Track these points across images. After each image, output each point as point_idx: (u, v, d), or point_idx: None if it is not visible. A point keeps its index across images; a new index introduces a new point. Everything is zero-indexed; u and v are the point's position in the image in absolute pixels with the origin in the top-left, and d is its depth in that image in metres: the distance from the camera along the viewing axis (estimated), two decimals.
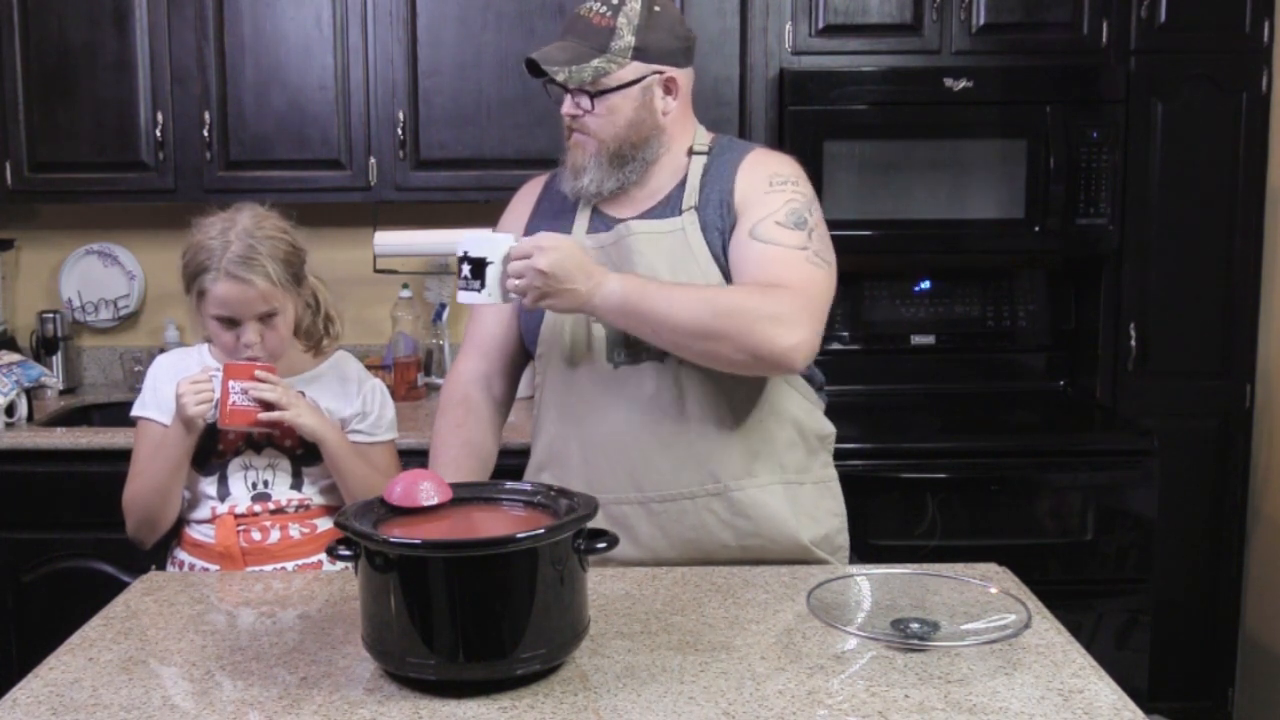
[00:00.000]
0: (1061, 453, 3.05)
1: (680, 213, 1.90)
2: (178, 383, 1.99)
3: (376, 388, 2.20)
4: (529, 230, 2.03)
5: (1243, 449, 3.33)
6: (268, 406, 1.98)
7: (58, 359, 3.52)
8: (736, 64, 3.23)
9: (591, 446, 1.92)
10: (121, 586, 1.86)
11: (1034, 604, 1.68)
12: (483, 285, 1.76)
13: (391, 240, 3.30)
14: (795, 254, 1.81)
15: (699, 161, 1.93)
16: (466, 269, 1.76)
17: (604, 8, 1.87)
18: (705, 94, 3.19)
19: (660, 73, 1.89)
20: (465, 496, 1.60)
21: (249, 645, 1.58)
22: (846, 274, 3.43)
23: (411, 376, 3.42)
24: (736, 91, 3.24)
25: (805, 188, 1.90)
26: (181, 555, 2.11)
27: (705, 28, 3.19)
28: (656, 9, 1.88)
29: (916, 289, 3.51)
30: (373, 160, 3.25)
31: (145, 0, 3.21)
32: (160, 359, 2.19)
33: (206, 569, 2.05)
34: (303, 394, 2.08)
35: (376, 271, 3.40)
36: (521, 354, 2.07)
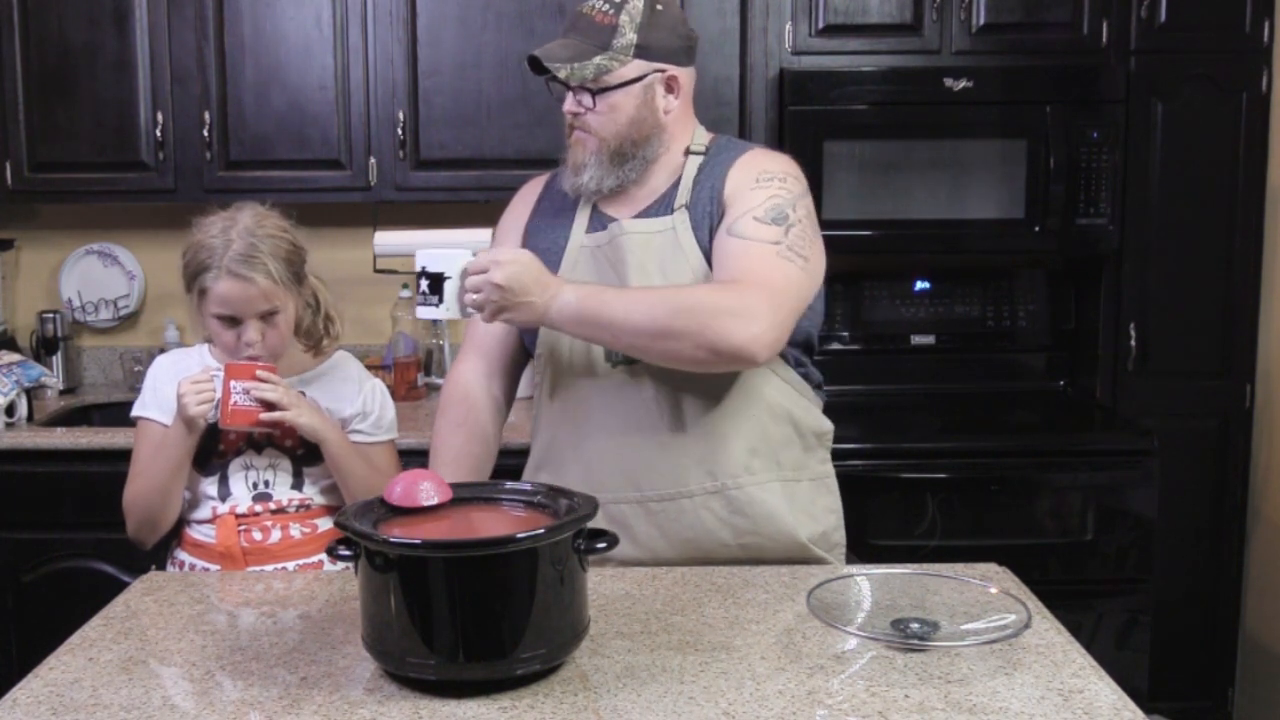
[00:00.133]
0: (1061, 453, 3.05)
1: (672, 211, 1.90)
2: (179, 382, 1.99)
3: (377, 388, 2.20)
4: (529, 229, 2.03)
5: (1243, 449, 3.33)
6: (269, 406, 1.98)
7: (58, 359, 3.52)
8: (736, 64, 3.23)
9: (589, 446, 1.92)
10: (121, 586, 1.86)
11: (1034, 604, 1.68)
12: (440, 300, 1.77)
13: (391, 240, 3.30)
14: (766, 249, 1.80)
15: (694, 161, 1.93)
16: (425, 284, 1.77)
17: (606, 6, 1.87)
18: (705, 94, 3.19)
19: (662, 71, 1.89)
20: (465, 496, 1.60)
21: (249, 645, 1.58)
22: (846, 274, 3.49)
23: (411, 376, 3.42)
24: (736, 91, 3.24)
25: (793, 185, 1.89)
26: (182, 555, 2.11)
27: (705, 28, 3.19)
28: (659, 7, 1.88)
29: (916, 289, 3.51)
30: (373, 160, 3.26)
31: (145, 0, 3.21)
32: (160, 359, 2.19)
33: (207, 569, 2.05)
34: (303, 394, 2.08)
35: (376, 271, 3.40)
36: (521, 354, 2.08)
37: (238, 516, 2.06)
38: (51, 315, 3.52)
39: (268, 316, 2.02)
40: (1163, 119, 3.22)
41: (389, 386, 2.45)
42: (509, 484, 1.63)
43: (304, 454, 2.09)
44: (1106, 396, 3.31)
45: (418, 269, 1.78)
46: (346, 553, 1.46)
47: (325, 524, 2.09)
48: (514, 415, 2.13)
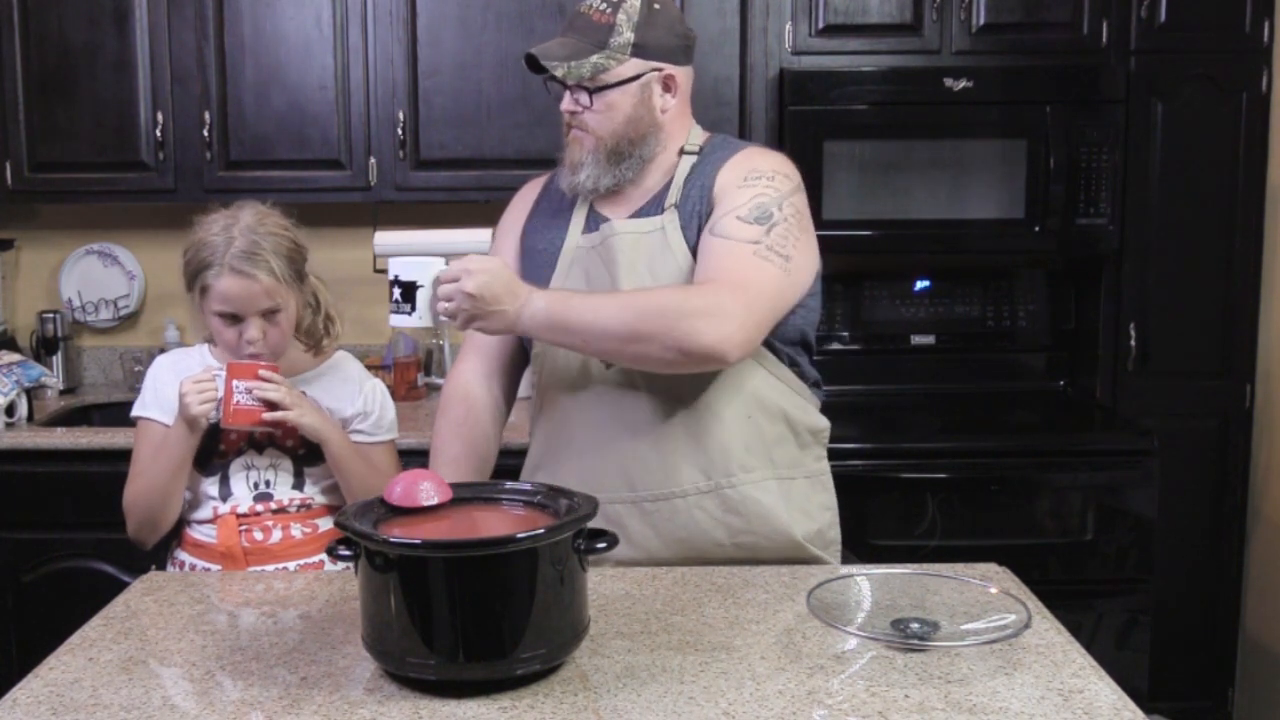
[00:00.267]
0: (1061, 453, 3.05)
1: (663, 211, 1.90)
2: (180, 382, 1.99)
3: (377, 388, 2.20)
4: (527, 229, 2.04)
5: (1243, 449, 3.33)
6: (272, 406, 1.98)
7: (58, 359, 3.52)
8: (736, 64, 3.23)
9: (583, 446, 1.92)
10: (121, 586, 1.86)
11: (1034, 604, 1.68)
12: (413, 308, 1.77)
13: (391, 240, 3.29)
14: (744, 248, 1.79)
15: (688, 161, 1.93)
16: (398, 292, 1.77)
17: (604, 5, 1.87)
18: (705, 94, 3.19)
19: (659, 70, 1.89)
20: (465, 496, 1.60)
21: (249, 645, 1.58)
22: (846, 274, 3.50)
23: (411, 376, 3.42)
24: (736, 91, 3.24)
25: (782, 183, 1.87)
26: (182, 556, 2.11)
27: (705, 28, 3.19)
28: (656, 6, 1.88)
29: (916, 289, 3.51)
30: (373, 160, 3.26)
31: (145, 0, 3.21)
32: (160, 359, 2.19)
33: (208, 569, 2.05)
34: (304, 394, 2.08)
35: (376, 272, 3.40)
36: (521, 354, 2.08)
37: (239, 516, 2.06)
38: (51, 315, 3.52)
39: (269, 314, 2.02)
40: (1163, 119, 3.22)
41: (389, 386, 2.45)
42: (509, 484, 1.63)
43: (305, 454, 2.09)
44: (1106, 396, 3.31)
45: (390, 277, 1.78)
46: (346, 553, 1.46)
47: (326, 524, 2.09)
48: (514, 415, 2.13)
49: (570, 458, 1.93)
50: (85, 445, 2.97)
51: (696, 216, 1.88)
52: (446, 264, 1.76)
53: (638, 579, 1.80)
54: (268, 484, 2.09)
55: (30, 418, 3.14)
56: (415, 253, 3.61)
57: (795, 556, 1.90)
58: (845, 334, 3.48)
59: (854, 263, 3.46)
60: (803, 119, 3.16)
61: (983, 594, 1.68)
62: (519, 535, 1.42)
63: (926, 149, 3.19)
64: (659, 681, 1.44)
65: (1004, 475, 3.00)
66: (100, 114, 3.25)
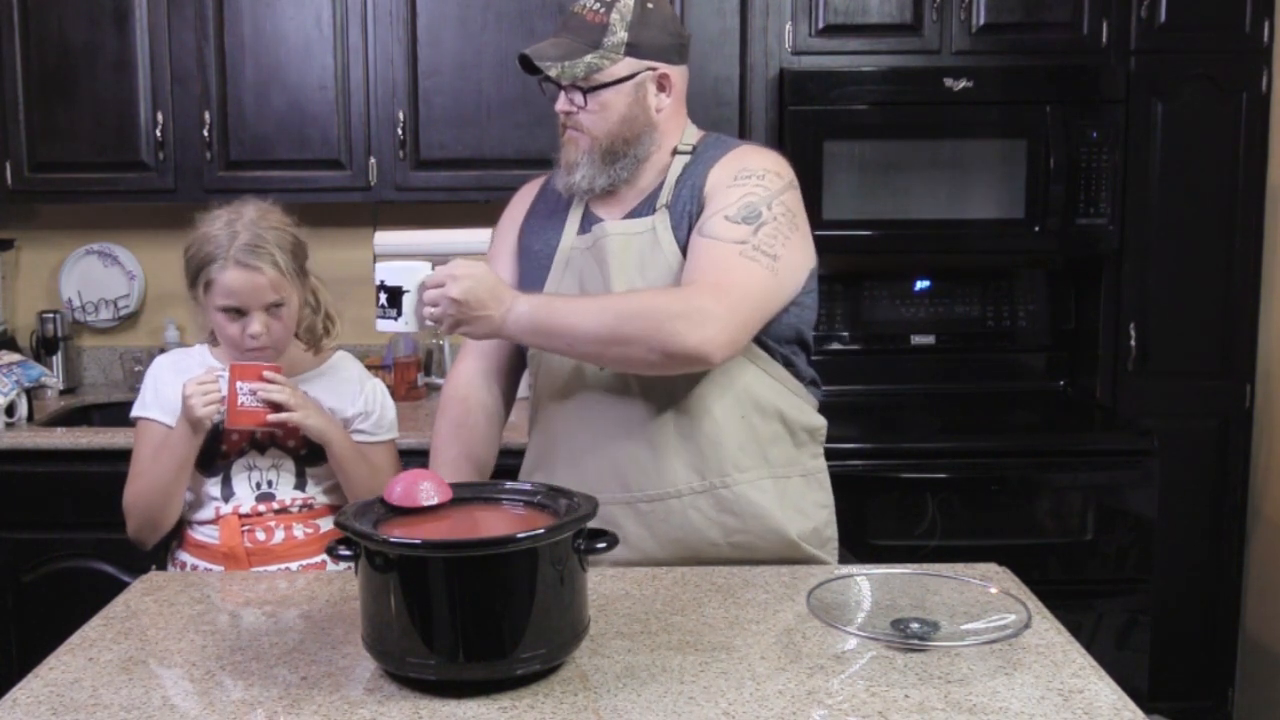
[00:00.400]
0: (1061, 453, 3.05)
1: (654, 211, 1.90)
2: (184, 384, 1.99)
3: (378, 387, 2.20)
4: (524, 230, 2.04)
5: (1243, 449, 3.33)
6: (276, 407, 1.98)
7: (58, 359, 3.52)
8: (736, 64, 3.23)
9: (578, 447, 1.92)
10: (121, 586, 1.86)
11: (1034, 604, 1.68)
12: (399, 313, 1.78)
13: (391, 240, 3.29)
14: (730, 249, 1.79)
15: (680, 160, 1.93)
16: (384, 297, 1.78)
17: (598, 4, 1.87)
18: (705, 94, 3.19)
19: (653, 69, 1.89)
20: (465, 496, 1.60)
21: (249, 645, 1.58)
22: (846, 274, 3.49)
23: (411, 376, 3.42)
24: (736, 91, 3.24)
25: (773, 182, 1.87)
26: (184, 556, 2.10)
27: (705, 28, 3.19)
28: (650, 6, 1.88)
29: (916, 289, 3.51)
30: (373, 160, 3.26)
31: (145, 0, 3.21)
32: (160, 359, 2.19)
33: (209, 569, 2.05)
34: (306, 395, 2.08)
35: None
36: (521, 354, 2.07)
37: (241, 517, 2.06)
38: (51, 315, 3.52)
39: (273, 309, 2.02)
40: (1163, 119, 3.22)
41: (389, 387, 2.45)
42: (509, 484, 1.63)
43: (307, 454, 2.09)
44: (1106, 396, 3.31)
45: (376, 282, 1.79)
46: (346, 553, 1.46)
47: (328, 524, 2.09)
48: (514, 415, 2.13)
49: (564, 459, 1.93)
50: (85, 445, 2.97)
51: (687, 216, 1.87)
52: (433, 269, 1.77)
53: (638, 579, 1.80)
54: (270, 484, 2.09)
55: (30, 418, 3.14)
56: (415, 253, 3.62)
57: (791, 556, 1.90)
58: (845, 334, 3.48)
59: (854, 263, 3.46)
60: (803, 119, 3.16)
61: (983, 594, 1.68)
62: (519, 535, 1.42)
63: (926, 149, 3.19)
64: (659, 681, 1.44)
65: (1004, 475, 3.00)
66: (100, 114, 3.25)
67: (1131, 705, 1.38)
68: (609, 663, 1.50)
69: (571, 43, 1.87)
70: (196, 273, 2.02)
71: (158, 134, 3.25)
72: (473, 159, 3.26)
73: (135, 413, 2.12)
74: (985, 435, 3.09)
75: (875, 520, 2.95)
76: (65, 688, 1.45)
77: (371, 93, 3.23)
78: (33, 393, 3.19)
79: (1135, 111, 3.20)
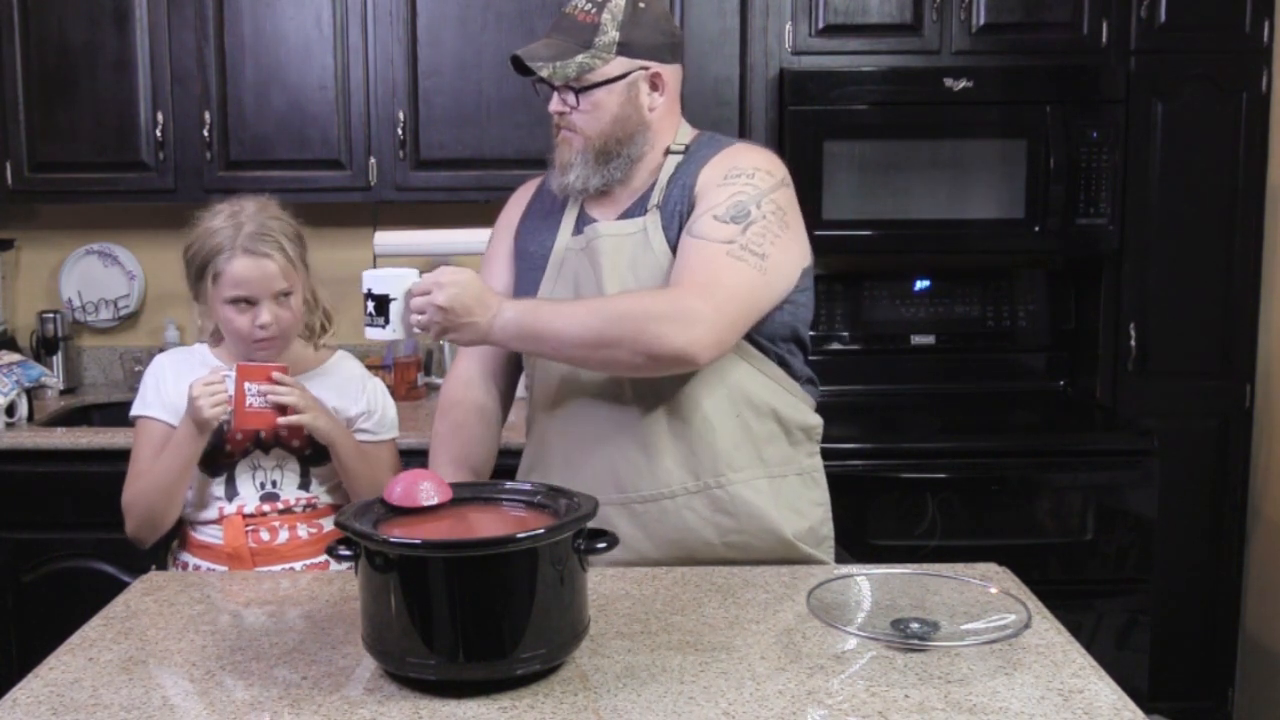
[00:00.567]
0: (1061, 453, 3.05)
1: (646, 212, 1.90)
2: (191, 384, 1.98)
3: (379, 386, 2.21)
4: (519, 231, 2.04)
5: (1243, 449, 3.33)
6: (282, 409, 1.98)
7: (58, 359, 3.52)
8: (736, 64, 3.23)
9: (572, 448, 1.92)
10: (121, 586, 1.86)
11: (1034, 604, 1.68)
12: (387, 321, 1.78)
13: (391, 240, 3.30)
14: (717, 249, 1.79)
15: (673, 160, 1.92)
16: (371, 305, 1.78)
17: (589, 4, 1.87)
18: (705, 94, 3.19)
19: (646, 68, 1.88)
20: (465, 496, 1.60)
21: (249, 645, 1.58)
22: (846, 274, 3.49)
23: (411, 376, 3.42)
24: (736, 91, 3.24)
25: (763, 180, 1.86)
26: (186, 557, 2.10)
27: (705, 28, 3.19)
28: (641, 5, 1.88)
29: (916, 289, 3.51)
30: (373, 160, 3.26)
31: (145, 0, 3.21)
32: (160, 358, 2.18)
33: (213, 570, 2.04)
34: (314, 397, 2.08)
35: None
36: (519, 355, 2.07)
37: (245, 517, 2.06)
38: (51, 315, 3.52)
39: (281, 298, 2.03)
40: (1163, 119, 3.22)
41: (389, 387, 2.46)
42: (509, 484, 1.63)
43: (311, 454, 2.09)
44: (1106, 396, 3.31)
45: (364, 290, 1.79)
46: (346, 553, 1.46)
47: (331, 524, 2.09)
48: (513, 415, 2.13)
49: (559, 460, 1.93)
50: (85, 445, 2.97)
51: (678, 216, 1.87)
52: (420, 276, 1.77)
53: (637, 579, 1.80)
54: (274, 484, 2.08)
55: (30, 418, 3.14)
56: (415, 253, 3.64)
57: (787, 555, 1.89)
58: (845, 334, 3.48)
59: (854, 263, 3.46)
60: (803, 119, 3.16)
61: (983, 594, 1.68)
62: (519, 535, 1.42)
63: (926, 149, 3.19)
64: (659, 681, 1.44)
65: (1004, 475, 3.00)
66: (100, 114, 3.25)
67: (1131, 705, 1.38)
68: (609, 663, 1.50)
69: (563, 43, 1.87)
70: (203, 266, 2.01)
71: (158, 134, 3.25)
72: (473, 159, 3.26)
73: (136, 411, 2.11)
74: (985, 435, 3.09)
75: (875, 520, 2.95)
76: (65, 688, 1.45)
77: (371, 93, 3.23)
78: (33, 393, 3.19)
79: (1135, 111, 3.20)
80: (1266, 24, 3.20)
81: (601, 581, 1.78)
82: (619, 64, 1.87)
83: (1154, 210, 3.25)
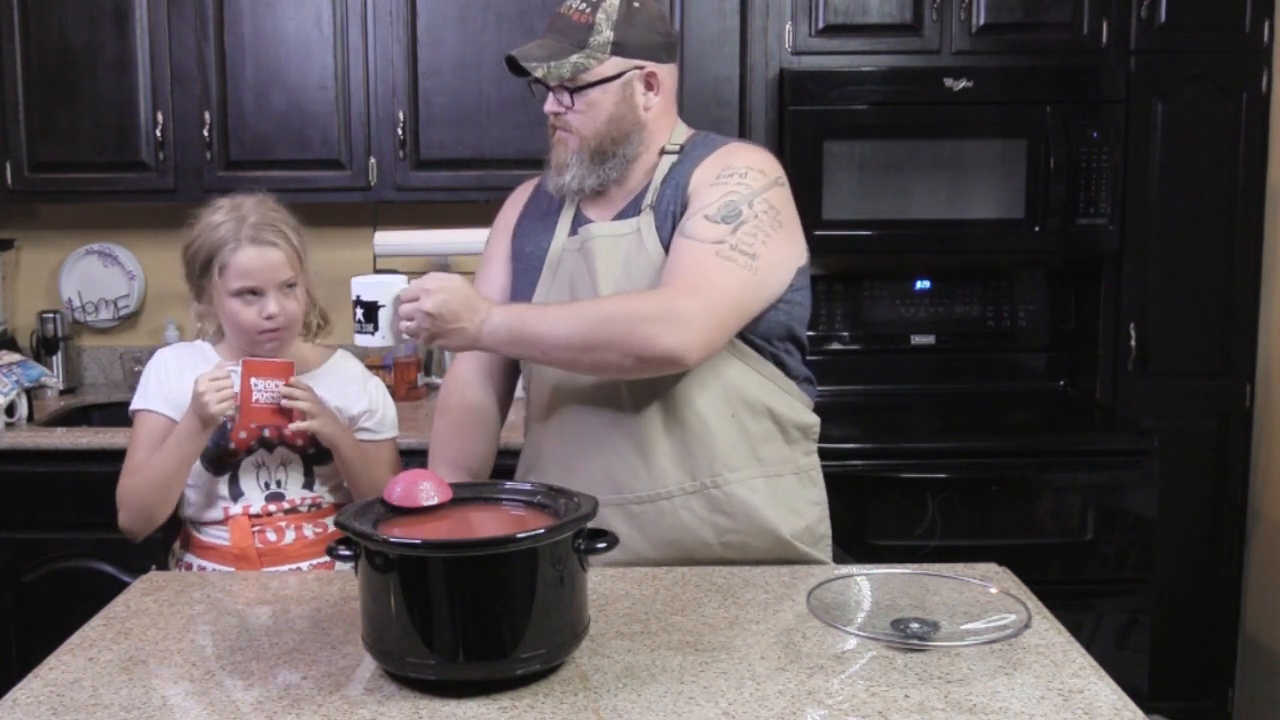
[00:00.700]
0: (1061, 453, 3.05)
1: (640, 212, 1.90)
2: (196, 379, 1.97)
3: (379, 386, 2.21)
4: (516, 232, 2.04)
5: (1243, 449, 3.33)
6: (288, 413, 1.98)
7: (58, 359, 3.52)
8: (736, 64, 3.23)
9: (569, 449, 1.92)
10: (121, 586, 1.86)
11: (1034, 604, 1.68)
12: (376, 328, 1.79)
13: (391, 240, 3.30)
14: (706, 249, 1.78)
15: (668, 160, 1.92)
16: (360, 312, 1.79)
17: (583, 4, 1.87)
18: (705, 94, 3.19)
19: (640, 68, 1.88)
20: (465, 496, 1.61)
21: (249, 645, 1.58)
22: (846, 274, 3.49)
23: (411, 376, 3.42)
24: (736, 91, 3.24)
25: (755, 180, 1.85)
26: (191, 559, 2.09)
27: (705, 28, 3.19)
28: (636, 4, 1.87)
29: (916, 289, 3.51)
30: (373, 160, 3.26)
31: (145, 0, 3.21)
32: (162, 353, 2.16)
33: (218, 570, 2.03)
34: (321, 401, 2.08)
35: (376, 272, 3.39)
36: None
37: (251, 517, 2.05)
38: (51, 315, 3.52)
39: (286, 288, 2.03)
40: (1163, 119, 3.22)
41: (389, 386, 2.46)
42: (509, 484, 1.63)
43: (314, 453, 2.09)
44: (1106, 396, 3.31)
45: (353, 297, 1.80)
46: (347, 553, 1.46)
47: None
48: (513, 415, 2.13)
49: (556, 461, 1.93)
50: (85, 445, 2.97)
51: (671, 216, 1.87)
52: (408, 282, 1.77)
53: (637, 579, 1.80)
54: (279, 483, 2.08)
55: (30, 418, 3.14)
56: (415, 253, 3.64)
57: (784, 554, 1.89)
58: (845, 334, 3.48)
59: (854, 263, 3.46)
60: (803, 119, 3.16)
61: (983, 594, 1.68)
62: (519, 535, 1.42)
63: (926, 149, 3.19)
64: (659, 681, 1.44)
65: (1004, 475, 3.00)
66: (100, 114, 3.25)
67: (1131, 705, 1.38)
68: (609, 663, 1.50)
69: (557, 43, 1.87)
70: (208, 260, 2.02)
71: (158, 134, 3.25)
72: (473, 159, 3.26)
73: (136, 405, 2.10)
74: (985, 435, 3.09)
75: (875, 520, 2.95)
76: (65, 688, 1.45)
77: (371, 93, 3.24)
78: (33, 393, 3.19)
79: (1135, 111, 3.20)
80: (1266, 24, 3.20)
81: (601, 581, 1.78)
82: (613, 64, 1.86)
83: (1154, 210, 3.25)
